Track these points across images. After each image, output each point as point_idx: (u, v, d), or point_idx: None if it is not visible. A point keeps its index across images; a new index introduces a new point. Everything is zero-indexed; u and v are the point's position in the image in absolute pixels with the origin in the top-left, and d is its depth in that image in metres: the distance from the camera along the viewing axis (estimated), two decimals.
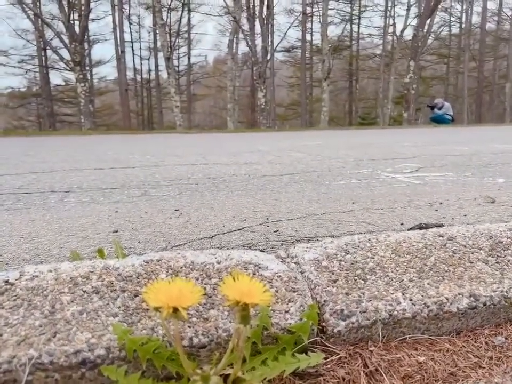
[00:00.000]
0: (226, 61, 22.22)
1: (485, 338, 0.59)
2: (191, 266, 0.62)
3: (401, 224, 1.28)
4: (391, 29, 26.41)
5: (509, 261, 0.67)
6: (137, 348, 0.49)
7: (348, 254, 0.65)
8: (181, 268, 0.62)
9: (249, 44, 15.46)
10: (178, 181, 2.52)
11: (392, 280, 0.61)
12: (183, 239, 1.22)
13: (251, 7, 17.19)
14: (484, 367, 0.53)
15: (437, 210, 1.50)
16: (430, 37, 23.11)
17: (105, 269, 0.62)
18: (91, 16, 19.59)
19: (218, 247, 1.13)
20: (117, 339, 0.50)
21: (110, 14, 22.60)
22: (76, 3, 16.79)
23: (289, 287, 0.58)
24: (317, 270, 0.62)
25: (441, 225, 0.98)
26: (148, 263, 0.63)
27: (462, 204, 1.61)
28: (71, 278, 0.60)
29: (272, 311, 0.55)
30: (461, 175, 2.56)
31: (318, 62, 27.28)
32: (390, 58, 23.61)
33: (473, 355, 0.56)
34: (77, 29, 16.19)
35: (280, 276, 0.60)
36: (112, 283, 0.59)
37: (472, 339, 0.60)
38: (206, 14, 27.16)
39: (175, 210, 1.65)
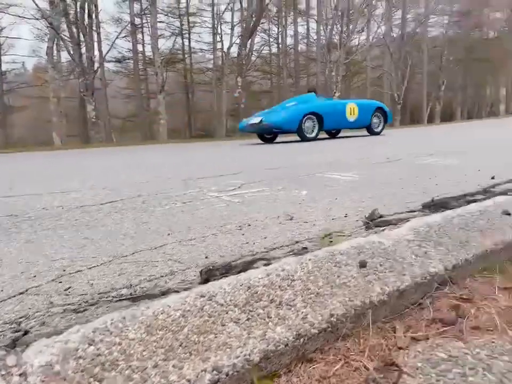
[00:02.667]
0: (48, 69, 19.81)
1: None
2: None
3: (206, 257, 1.30)
4: (219, 45, 28.06)
5: (258, 314, 0.68)
6: None
7: (91, 345, 0.57)
8: None
9: (72, 52, 14.12)
10: None
11: (134, 371, 0.55)
12: None
13: (70, 13, 15.76)
14: None
15: (243, 234, 1.59)
16: (253, 55, 25.47)
17: None
18: None
19: None
20: None
21: None
22: None
23: None
24: (43, 381, 0.52)
25: (228, 268, 1.02)
26: None
27: (266, 224, 1.75)
28: None
29: None
30: (274, 189, 2.82)
31: (153, 73, 26.93)
32: (221, 73, 25.03)
33: None
34: None
35: None
36: None
37: None
38: (18, 16, 23.71)
39: None
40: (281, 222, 1.77)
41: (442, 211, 1.64)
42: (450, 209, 1.63)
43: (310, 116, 8.57)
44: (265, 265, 0.92)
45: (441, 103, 29.40)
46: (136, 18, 26.67)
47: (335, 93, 19.43)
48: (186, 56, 31.24)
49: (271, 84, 34.57)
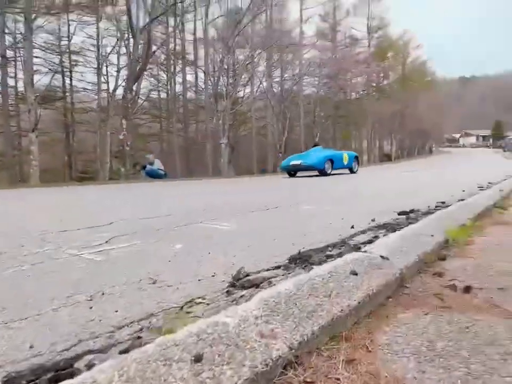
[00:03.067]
0: None
1: None
2: None
3: (31, 347, 1.05)
4: (105, 86, 27.02)
5: None
6: None
7: None
8: None
9: None
10: None
11: None
12: None
13: None
14: None
15: (92, 307, 1.36)
16: (141, 99, 25.14)
17: None
18: None
19: None
20: None
21: None
22: None
23: None
24: None
25: (40, 372, 0.81)
26: None
27: (124, 291, 1.55)
28: None
29: None
30: (147, 243, 2.62)
31: (26, 110, 24.36)
32: (106, 114, 23.95)
33: None
34: None
35: None
36: None
37: None
38: None
39: None
40: (142, 286, 1.59)
41: (305, 266, 1.67)
42: (311, 264, 1.67)
43: (328, 160, 13.31)
44: (86, 367, 0.74)
45: None
46: (8, 51, 24.21)
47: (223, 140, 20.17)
48: (67, 94, 29.16)
49: (161, 128, 34.22)
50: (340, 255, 1.63)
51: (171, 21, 29.34)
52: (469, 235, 2.05)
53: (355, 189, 7.74)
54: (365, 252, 1.36)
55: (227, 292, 1.33)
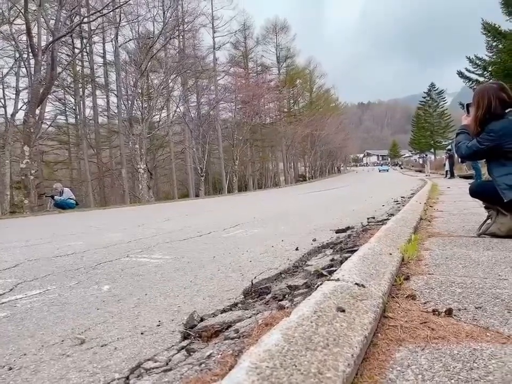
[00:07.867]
0: None
1: None
2: None
3: None
4: (2, 111, 24.27)
5: None
6: None
7: None
8: None
9: None
10: None
11: None
12: None
13: None
14: None
15: None
16: (45, 124, 23.04)
17: None
18: None
19: None
20: None
21: None
22: None
23: None
24: None
25: None
26: None
27: (40, 362, 1.17)
28: None
29: None
30: (65, 288, 2.18)
31: None
32: (4, 141, 21.39)
33: None
34: None
35: None
36: None
37: None
38: None
39: None
40: (66, 351, 1.24)
41: (267, 301, 1.46)
42: (275, 298, 1.47)
43: (388, 168, 43.29)
44: None
45: (237, 175, 33.04)
46: None
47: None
48: None
49: (69, 154, 31.68)
50: (307, 285, 1.46)
51: (77, 43, 27.79)
52: (417, 250, 2.04)
53: (280, 209, 7.77)
54: (338, 280, 1.21)
55: (185, 348, 1.06)
